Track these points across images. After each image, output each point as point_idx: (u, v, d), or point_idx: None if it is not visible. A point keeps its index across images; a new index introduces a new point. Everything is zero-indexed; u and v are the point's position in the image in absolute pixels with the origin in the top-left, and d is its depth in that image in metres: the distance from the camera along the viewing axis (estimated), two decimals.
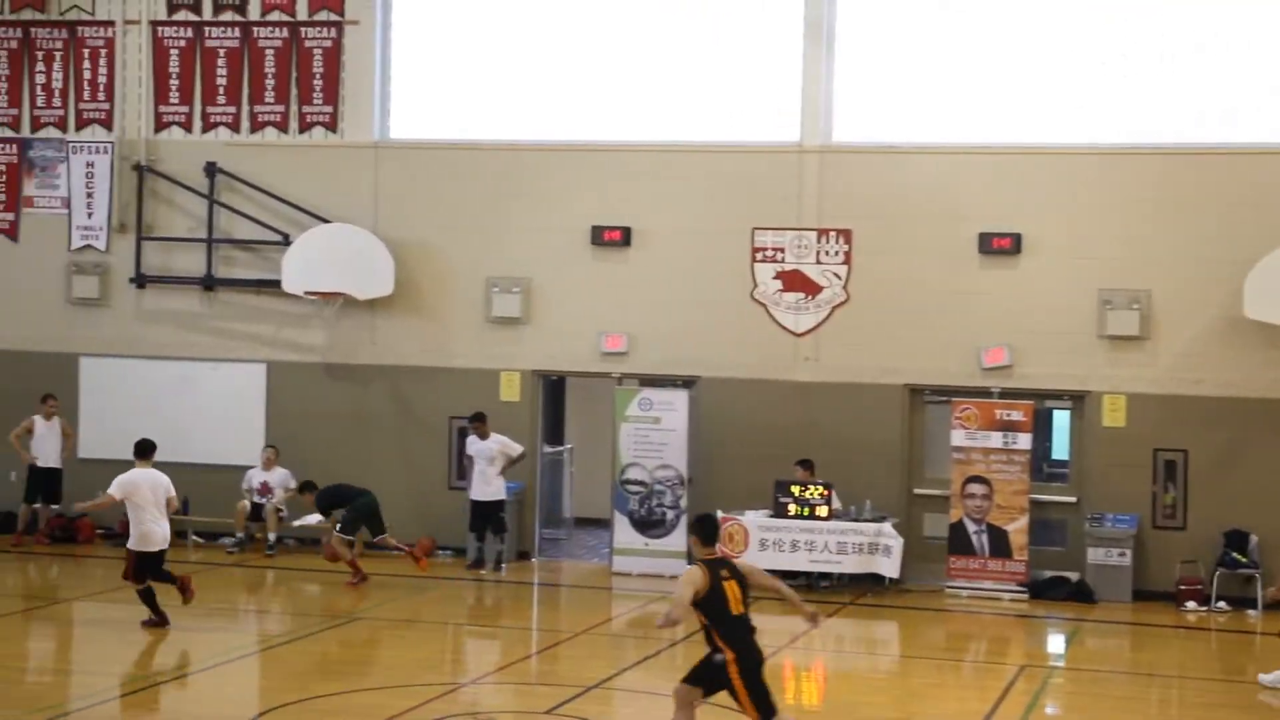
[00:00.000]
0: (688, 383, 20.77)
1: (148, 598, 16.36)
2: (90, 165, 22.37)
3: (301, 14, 21.80)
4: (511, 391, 21.30)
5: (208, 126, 22.09)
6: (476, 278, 21.40)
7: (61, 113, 22.46)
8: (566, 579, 20.44)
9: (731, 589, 10.98)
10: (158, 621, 16.30)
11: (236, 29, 21.98)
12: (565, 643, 16.59)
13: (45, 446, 21.44)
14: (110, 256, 22.35)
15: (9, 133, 22.61)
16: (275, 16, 21.87)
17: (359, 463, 21.45)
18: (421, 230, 21.54)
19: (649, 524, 20.38)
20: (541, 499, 21.86)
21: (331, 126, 21.78)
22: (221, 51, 22.06)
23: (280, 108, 21.92)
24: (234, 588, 19.42)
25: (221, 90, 22.06)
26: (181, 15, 22.11)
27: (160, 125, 22.23)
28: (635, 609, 18.54)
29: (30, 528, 21.59)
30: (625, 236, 21.05)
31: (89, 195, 22.40)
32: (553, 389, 22.69)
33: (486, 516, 20.43)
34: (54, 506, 21.66)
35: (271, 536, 21.17)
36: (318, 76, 21.83)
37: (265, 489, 21.20)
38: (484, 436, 20.34)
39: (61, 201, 22.51)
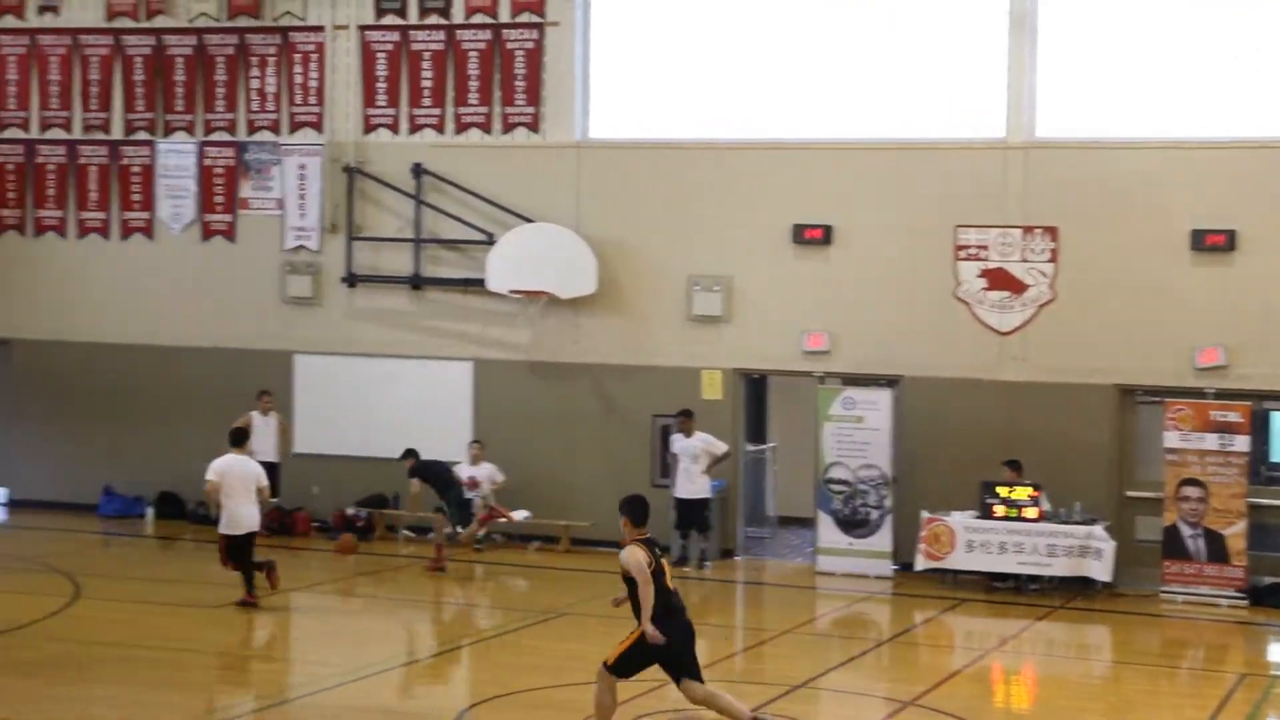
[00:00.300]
0: (891, 382, 20.51)
1: (247, 575, 16.99)
2: (302, 167, 22.73)
3: (504, 16, 21.94)
4: (713, 390, 21.22)
5: (414, 128, 22.32)
6: (678, 276, 21.35)
7: (275, 117, 22.86)
8: (770, 578, 20.31)
9: (665, 565, 11.79)
10: (248, 602, 16.92)
11: (441, 32, 22.19)
12: (770, 641, 16.47)
13: (263, 441, 21.82)
14: (322, 256, 22.67)
15: (226, 136, 23.09)
16: (478, 19, 22.04)
17: (562, 459, 21.56)
18: (623, 229, 21.53)
19: (853, 524, 20.17)
20: (745, 497, 21.75)
21: (534, 127, 21.87)
22: (427, 54, 22.27)
23: (484, 109, 22.06)
24: (443, 582, 19.56)
25: (427, 93, 22.27)
26: (388, 20, 22.39)
27: (368, 127, 22.51)
28: (840, 609, 18.36)
29: None
30: (826, 234, 20.84)
31: (301, 196, 22.77)
32: (754, 387, 22.57)
33: (691, 515, 20.40)
34: (273, 500, 22.04)
35: (480, 531, 21.33)
36: (520, 78, 21.94)
37: (473, 483, 21.36)
38: (689, 434, 20.31)
39: (275, 203, 22.91)
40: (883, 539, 19.93)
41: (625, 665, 11.80)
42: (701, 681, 11.90)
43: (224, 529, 17.02)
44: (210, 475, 16.99)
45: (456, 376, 22.07)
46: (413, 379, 22.23)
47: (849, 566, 19.98)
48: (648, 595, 11.57)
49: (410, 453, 19.92)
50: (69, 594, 17.37)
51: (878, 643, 16.43)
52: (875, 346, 20.58)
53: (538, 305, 21.62)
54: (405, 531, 22.07)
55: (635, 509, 11.89)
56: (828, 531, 20.22)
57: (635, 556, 11.64)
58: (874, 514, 20.08)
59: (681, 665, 11.84)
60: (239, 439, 17.39)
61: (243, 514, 16.99)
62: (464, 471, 21.44)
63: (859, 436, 20.09)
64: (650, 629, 11.52)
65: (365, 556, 20.71)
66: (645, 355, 21.51)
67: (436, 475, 19.83)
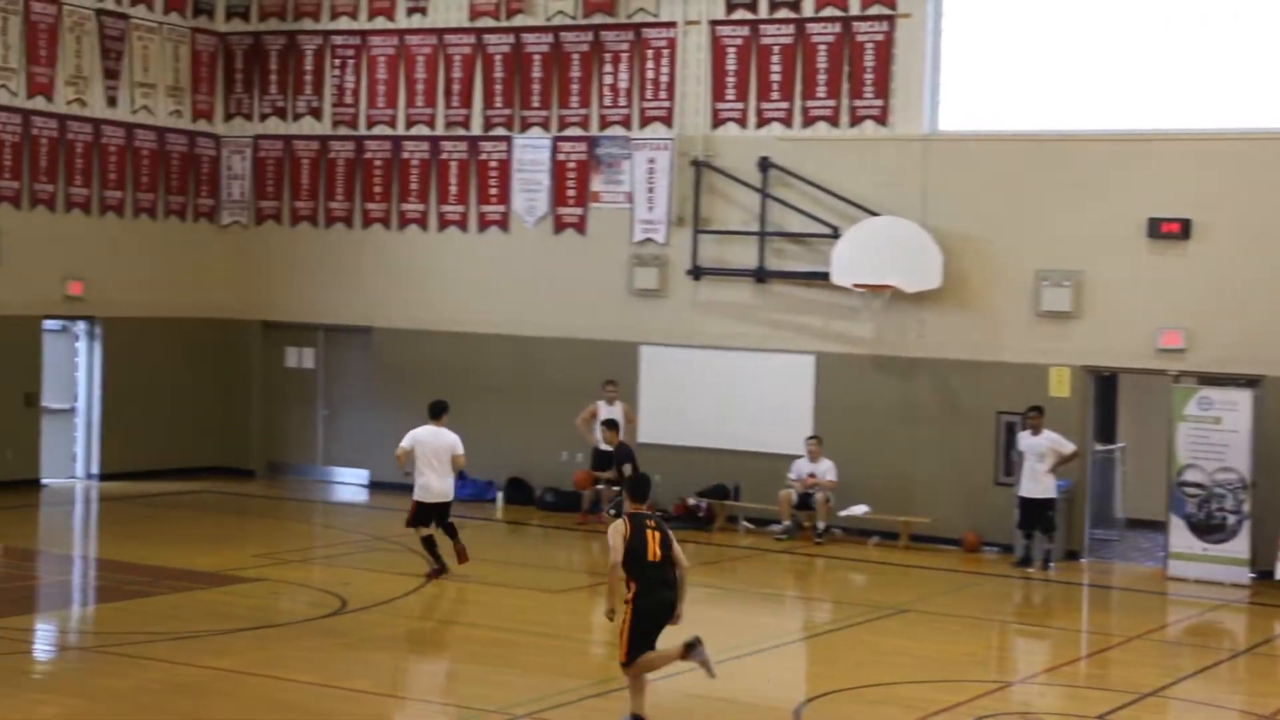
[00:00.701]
0: (1251, 382, 19.49)
1: (429, 545, 17.31)
2: (652, 161, 22.83)
3: (854, 9, 21.64)
4: (1061, 387, 20.53)
5: (761, 122, 22.20)
6: (1025, 271, 20.71)
7: (626, 112, 23.00)
8: (1118, 581, 19.53)
9: (653, 537, 11.78)
10: (436, 571, 17.21)
11: (790, 26, 22.02)
12: (1117, 647, 15.81)
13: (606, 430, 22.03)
14: (669, 249, 22.72)
15: (579, 131, 23.35)
16: (828, 12, 21.78)
17: (902, 455, 21.19)
18: (970, 222, 21.01)
19: (1208, 528, 19.23)
20: (1092, 498, 20.97)
21: (882, 120, 21.51)
22: (776, 49, 22.12)
23: (831, 102, 21.81)
24: (782, 574, 19.44)
25: (775, 86, 22.13)
26: (739, 14, 22.33)
27: (717, 121, 22.46)
28: (1192, 616, 17.53)
29: (594, 507, 22.26)
30: (1184, 229, 19.93)
31: (650, 190, 22.87)
32: (1104, 385, 21.75)
33: (1035, 514, 19.77)
34: (616, 488, 22.24)
35: (820, 525, 21.11)
36: (869, 70, 21.61)
37: (810, 481, 21.15)
38: (1037, 431, 19.69)
39: (625, 196, 23.06)
40: (1239, 545, 18.96)
41: (636, 652, 11.76)
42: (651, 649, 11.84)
43: (416, 495, 17.51)
44: (404, 442, 17.51)
45: (798, 370, 21.88)
46: (755, 371, 22.13)
47: (1202, 573, 19.06)
48: (612, 578, 11.73)
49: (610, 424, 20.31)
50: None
51: (1233, 653, 15.61)
52: (1235, 345, 19.59)
53: (882, 299, 21.28)
54: (745, 523, 21.99)
55: (635, 486, 12.22)
56: (1180, 536, 19.33)
57: (613, 528, 11.86)
58: (1230, 519, 19.11)
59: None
60: (435, 412, 17.75)
61: (432, 483, 17.41)
62: (803, 468, 21.24)
63: (1216, 438, 19.15)
64: (609, 611, 11.77)
65: (705, 546, 20.68)
66: (991, 351, 20.93)
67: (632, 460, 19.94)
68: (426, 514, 17.57)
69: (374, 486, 24.58)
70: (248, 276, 25.56)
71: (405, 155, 24.43)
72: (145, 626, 14.77)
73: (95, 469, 24.15)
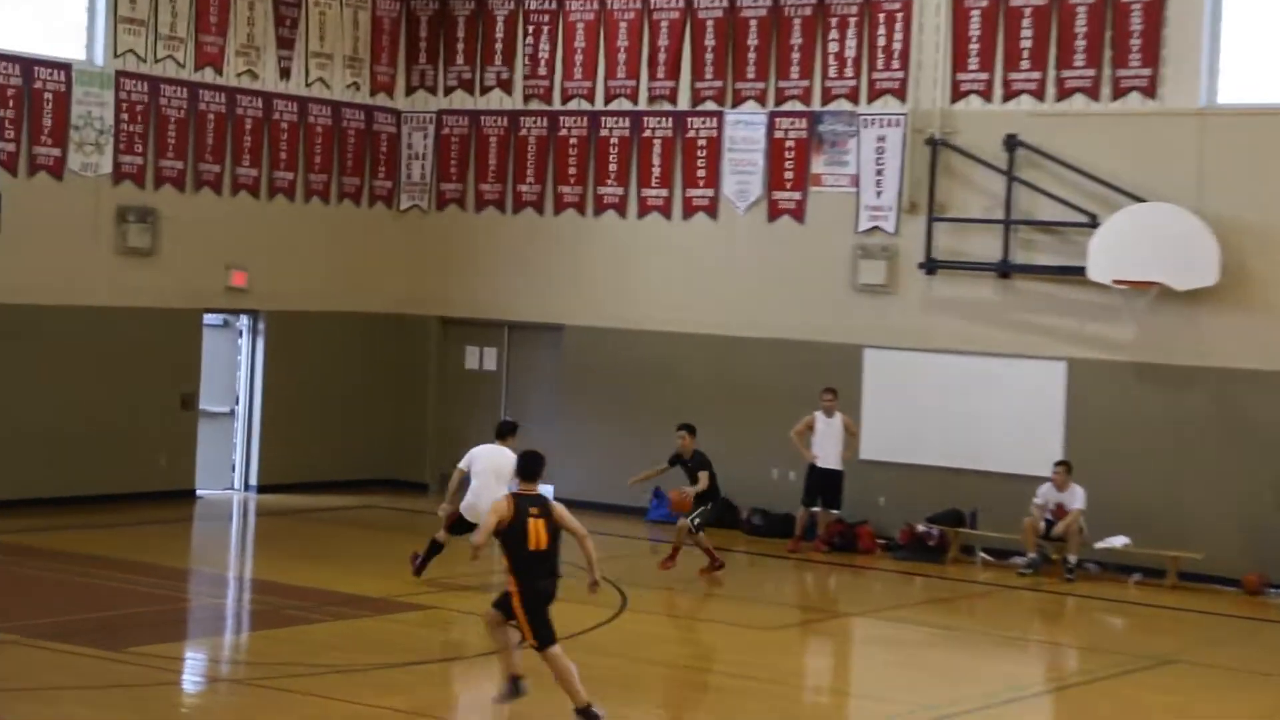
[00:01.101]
0: None
1: (433, 549, 17.69)
2: (881, 140, 22.23)
3: None
4: None
5: (1009, 94, 21.50)
6: None
7: (854, 83, 22.46)
8: None
9: (536, 526, 12.34)
10: (419, 565, 17.77)
11: None
12: None
13: (826, 445, 21.41)
14: (899, 239, 22.21)
15: (799, 106, 22.84)
16: None
17: (1171, 479, 20.37)
18: (1253, 209, 20.14)
19: None
20: None
21: (1149, 92, 20.73)
22: (1027, 11, 21.38)
23: (1090, 72, 20.99)
24: (1025, 614, 18.77)
25: (1025, 54, 21.37)
26: None
27: (957, 94, 21.84)
28: None
29: (808, 533, 21.66)
30: None
31: (879, 173, 22.28)
32: None
33: None
34: (834, 511, 21.57)
35: (1071, 559, 20.17)
36: (1135, 35, 20.80)
37: (1060, 511, 20.25)
38: None
39: (850, 179, 22.52)
40: None
41: (541, 631, 12.45)
42: (505, 622, 12.58)
43: (463, 509, 17.54)
44: (461, 462, 17.83)
45: (1047, 378, 21.21)
46: (996, 380, 21.52)
47: None
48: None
49: (688, 428, 19.55)
50: (615, 604, 17.38)
51: None
52: None
53: (1147, 298, 20.47)
54: (983, 554, 21.19)
55: (525, 464, 12.82)
56: None
57: (494, 505, 12.57)
58: None
59: (505, 607, 12.59)
60: (502, 432, 18.08)
61: (480, 503, 17.10)
62: (1049, 497, 20.30)
63: None
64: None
65: (938, 581, 20.06)
66: (1278, 359, 19.90)
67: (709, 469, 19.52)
68: (461, 528, 17.49)
69: (560, 503, 24.15)
70: (426, 267, 25.50)
71: (604, 133, 24.13)
72: (304, 657, 14.58)
73: (254, 479, 24.25)
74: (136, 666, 13.94)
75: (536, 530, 12.35)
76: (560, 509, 12.67)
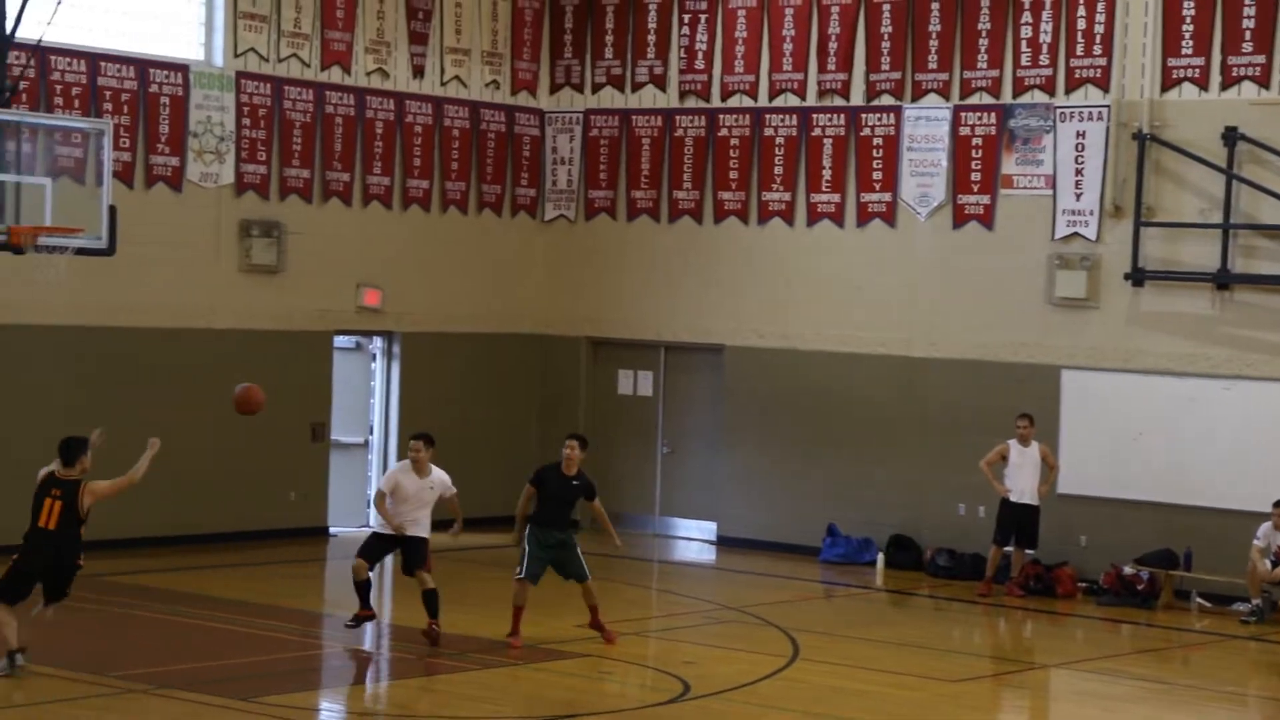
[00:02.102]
0: None
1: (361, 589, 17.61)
2: (1081, 135, 22.20)
3: None
4: None
5: (1228, 81, 21.43)
6: None
7: (1049, 73, 22.44)
8: None
9: (51, 505, 15.03)
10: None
11: None
12: None
13: (1020, 478, 21.39)
14: (1101, 247, 22.13)
15: (988, 99, 22.84)
16: None
17: None
18: None
19: None
20: None
21: None
22: None
23: None
24: (1248, 667, 18.59)
25: (1248, 35, 21.30)
26: None
27: (1168, 83, 21.78)
28: None
29: (1000, 575, 21.64)
30: None
31: (1078, 172, 22.25)
32: None
33: None
34: (1030, 551, 21.60)
35: None
36: None
37: None
38: None
39: (1045, 180, 22.48)
40: None
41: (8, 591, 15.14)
42: (9, 605, 15.08)
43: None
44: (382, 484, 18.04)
45: (1270, 402, 21.06)
46: (1214, 404, 21.42)
47: None
48: None
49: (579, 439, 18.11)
50: (786, 653, 17.55)
51: None
52: None
53: None
54: (1199, 600, 21.07)
55: (63, 450, 15.18)
56: None
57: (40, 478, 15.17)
58: None
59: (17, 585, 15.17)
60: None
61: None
62: (1269, 536, 20.14)
63: None
64: None
65: (1148, 629, 19.99)
66: None
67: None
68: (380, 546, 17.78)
69: (723, 543, 24.45)
70: (573, 283, 25.82)
71: (768, 132, 24.32)
72: (447, 709, 14.88)
73: None
74: (265, 718, 14.34)
75: (49, 510, 15.02)
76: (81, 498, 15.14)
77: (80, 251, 17.98)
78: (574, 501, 17.92)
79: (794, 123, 24.15)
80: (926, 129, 23.26)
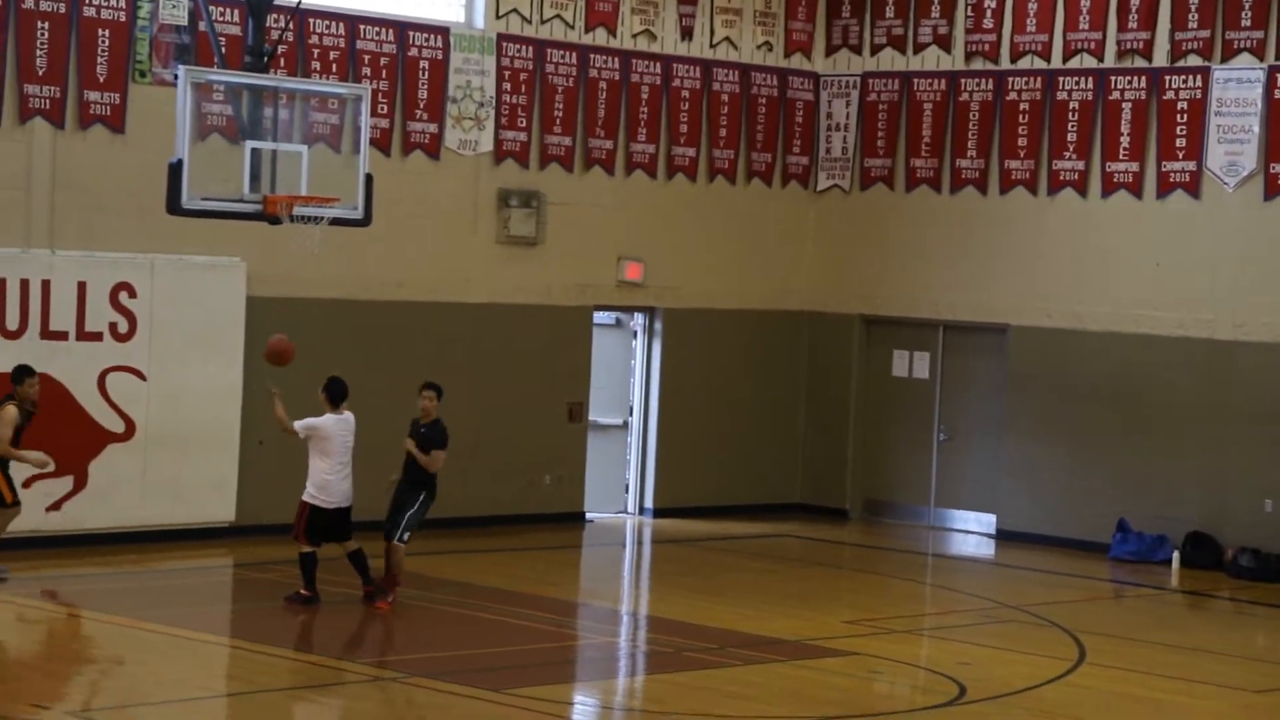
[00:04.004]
0: None
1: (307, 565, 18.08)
2: None
3: None
4: None
5: None
6: None
7: None
8: None
9: None
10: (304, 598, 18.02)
11: None
12: None
13: None
14: None
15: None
16: None
17: None
18: None
19: None
20: None
21: None
22: None
23: None
24: None
25: None
26: None
27: None
28: None
29: None
30: None
31: None
32: None
33: None
34: None
35: None
36: None
37: None
38: None
39: None
40: None
41: None
42: None
43: (309, 497, 18.05)
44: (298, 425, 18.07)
45: None
46: None
47: None
48: None
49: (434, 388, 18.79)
50: (1071, 656, 17.50)
51: None
52: None
53: None
54: None
55: None
56: None
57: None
58: None
59: None
60: (337, 395, 18.14)
61: (335, 484, 18.02)
62: None
63: None
64: None
65: None
66: None
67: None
68: (322, 523, 18.05)
69: (1002, 537, 24.39)
70: (846, 257, 25.90)
71: (1061, 95, 24.12)
72: (706, 706, 15.06)
73: (649, 502, 25.00)
74: (519, 710, 14.69)
75: None
76: None
77: (336, 222, 18.43)
78: (430, 446, 18.42)
79: (1089, 85, 23.90)
80: (1237, 92, 22.84)
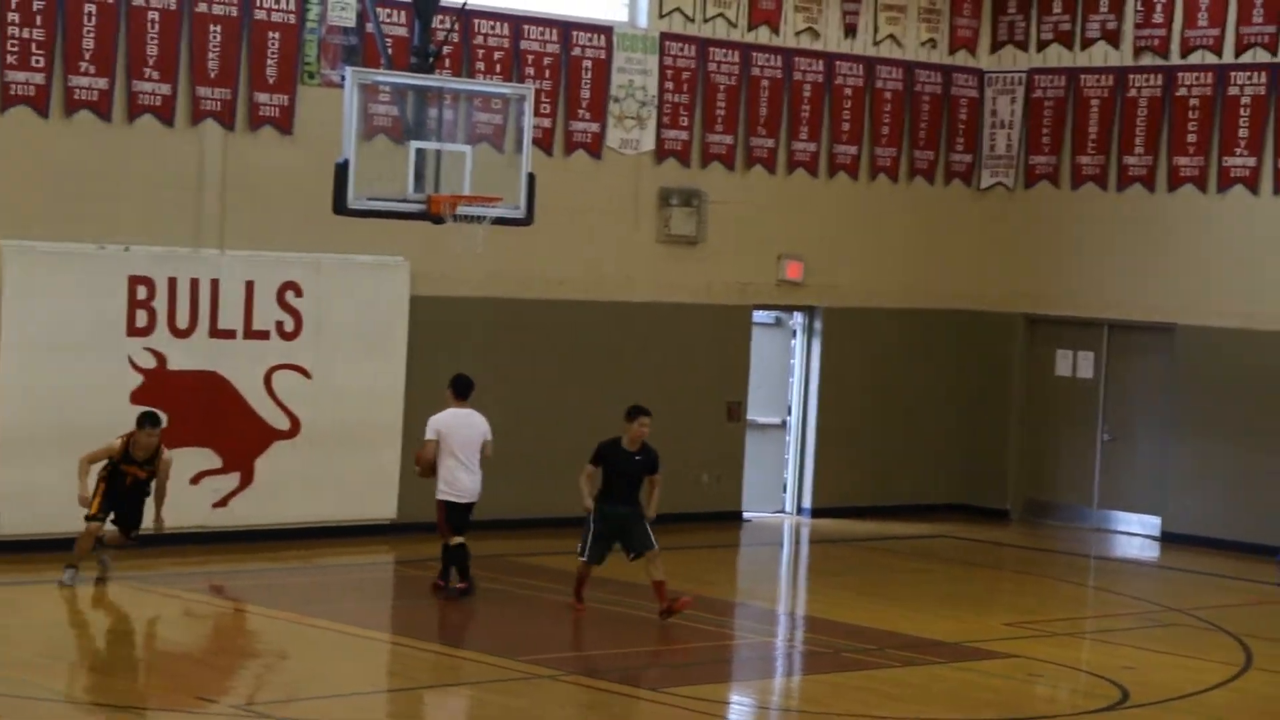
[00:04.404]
0: None
1: (457, 557, 18.50)
2: None
3: None
4: None
5: None
6: None
7: None
8: None
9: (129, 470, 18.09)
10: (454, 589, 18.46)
11: None
12: None
13: None
14: None
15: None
16: None
17: None
18: None
19: None
20: None
21: None
22: None
23: None
24: None
25: None
26: None
27: None
28: None
29: None
30: None
31: None
32: None
33: None
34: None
35: None
36: None
37: None
38: None
39: None
40: None
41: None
42: None
43: (442, 495, 18.45)
44: (428, 433, 18.41)
45: None
46: None
47: None
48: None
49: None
50: (1238, 661, 17.42)
51: None
52: None
53: None
54: None
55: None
56: None
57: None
58: None
59: None
60: (462, 389, 18.53)
61: (463, 479, 18.35)
62: None
63: None
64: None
65: None
66: None
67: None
68: (456, 519, 18.45)
69: (1168, 539, 24.27)
70: (1009, 255, 25.87)
71: (1233, 91, 23.93)
72: (864, 707, 15.16)
73: (807, 502, 25.11)
74: (674, 708, 14.87)
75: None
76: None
77: (498, 221, 18.70)
78: (639, 476, 18.09)
79: (1262, 80, 23.64)
80: None
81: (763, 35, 24.14)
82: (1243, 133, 23.86)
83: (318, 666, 15.79)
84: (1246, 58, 23.79)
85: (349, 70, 18.18)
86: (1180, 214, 24.42)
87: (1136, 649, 17.88)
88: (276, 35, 20.70)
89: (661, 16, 23.36)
